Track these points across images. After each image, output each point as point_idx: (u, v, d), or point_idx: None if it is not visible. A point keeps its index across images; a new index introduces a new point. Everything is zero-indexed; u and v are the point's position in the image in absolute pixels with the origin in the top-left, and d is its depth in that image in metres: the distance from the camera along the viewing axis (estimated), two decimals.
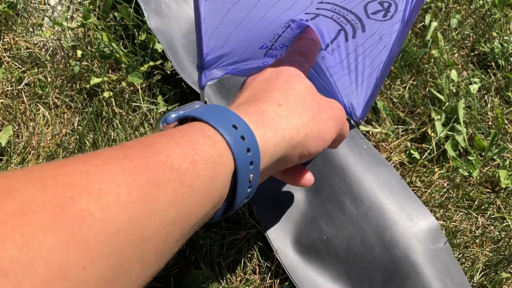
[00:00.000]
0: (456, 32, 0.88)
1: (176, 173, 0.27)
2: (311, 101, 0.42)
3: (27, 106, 0.72)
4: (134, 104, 0.74)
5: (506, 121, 0.77)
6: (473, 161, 0.70)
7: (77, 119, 0.72)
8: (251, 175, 0.33)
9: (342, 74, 0.66)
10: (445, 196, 0.68)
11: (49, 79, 0.75)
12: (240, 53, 0.63)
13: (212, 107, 0.34)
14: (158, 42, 0.77)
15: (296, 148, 0.39)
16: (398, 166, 0.72)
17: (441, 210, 0.66)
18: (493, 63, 0.84)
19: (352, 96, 0.68)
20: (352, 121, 0.72)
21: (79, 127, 0.71)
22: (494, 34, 0.88)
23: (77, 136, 0.69)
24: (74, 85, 0.75)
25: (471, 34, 0.88)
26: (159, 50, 0.76)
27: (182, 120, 0.37)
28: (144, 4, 0.81)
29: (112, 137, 0.69)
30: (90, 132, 0.70)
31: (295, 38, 0.61)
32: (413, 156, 0.70)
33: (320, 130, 0.41)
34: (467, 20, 0.90)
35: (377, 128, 0.74)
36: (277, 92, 0.40)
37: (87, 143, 0.68)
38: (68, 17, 0.82)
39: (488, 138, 0.74)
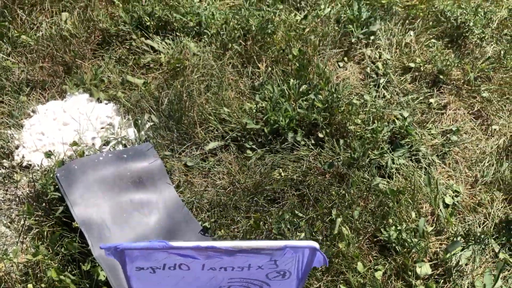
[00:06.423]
0: (359, 221, 1.04)
1: None
2: None
3: None
4: None
5: None
6: None
7: None
8: None
9: None
10: None
11: None
12: None
13: None
14: (102, 270, 0.86)
15: None
16: None
17: None
18: (392, 250, 1.00)
19: None
20: None
21: None
22: (390, 221, 1.05)
23: None
24: None
25: (371, 223, 1.04)
26: (103, 279, 0.86)
27: None
28: (88, 232, 0.91)
29: None
30: None
31: None
32: None
33: None
34: (367, 208, 1.07)
35: None
36: None
37: None
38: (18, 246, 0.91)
39: None
